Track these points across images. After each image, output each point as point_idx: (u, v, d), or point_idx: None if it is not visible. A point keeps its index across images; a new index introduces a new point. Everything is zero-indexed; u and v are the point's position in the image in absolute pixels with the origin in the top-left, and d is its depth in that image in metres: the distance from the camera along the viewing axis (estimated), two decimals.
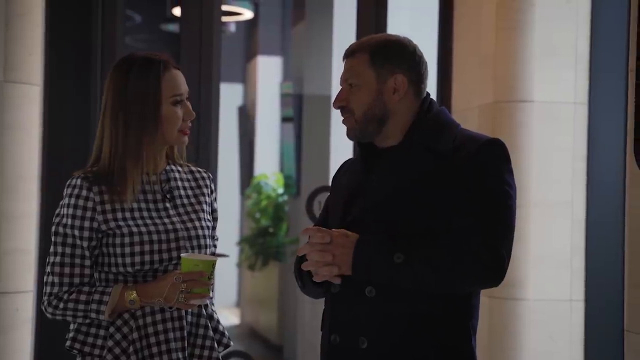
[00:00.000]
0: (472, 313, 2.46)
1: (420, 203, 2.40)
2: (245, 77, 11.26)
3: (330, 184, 2.73)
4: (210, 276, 2.51)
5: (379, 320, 2.41)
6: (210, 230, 2.69)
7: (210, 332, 2.64)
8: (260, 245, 9.06)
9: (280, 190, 9.00)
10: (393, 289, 2.39)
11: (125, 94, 2.57)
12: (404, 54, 2.49)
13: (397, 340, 2.40)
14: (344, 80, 2.51)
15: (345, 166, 2.68)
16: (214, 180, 2.84)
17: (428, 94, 2.55)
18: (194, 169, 2.75)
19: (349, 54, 2.52)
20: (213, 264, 2.52)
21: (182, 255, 2.52)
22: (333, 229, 2.43)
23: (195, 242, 2.62)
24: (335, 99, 2.51)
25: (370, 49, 2.49)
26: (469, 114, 4.25)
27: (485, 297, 3.87)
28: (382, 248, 2.37)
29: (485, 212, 2.36)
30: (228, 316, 10.72)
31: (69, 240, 2.55)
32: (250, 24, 10.42)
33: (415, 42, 2.55)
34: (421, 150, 2.44)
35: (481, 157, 2.40)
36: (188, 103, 2.64)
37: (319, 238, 2.39)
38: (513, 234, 2.41)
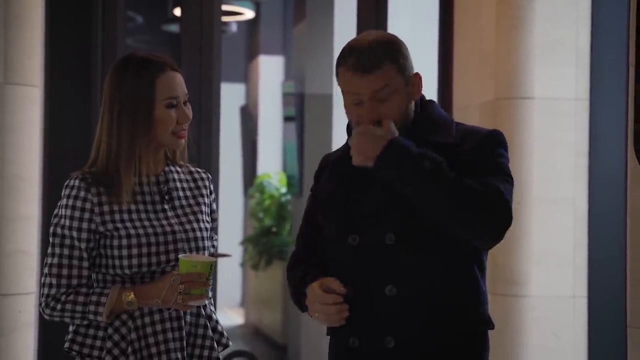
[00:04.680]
0: (483, 299, 2.51)
1: None
2: (247, 76, 11.26)
3: None
4: (209, 277, 2.48)
5: (404, 318, 2.41)
6: (209, 232, 2.67)
7: (210, 332, 2.63)
8: (263, 245, 9.06)
9: (283, 190, 8.99)
10: (413, 286, 2.39)
11: (120, 94, 2.54)
12: (406, 51, 2.48)
13: (423, 335, 2.41)
14: (369, 98, 2.41)
15: (329, 163, 2.65)
16: (215, 180, 2.82)
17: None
18: (193, 169, 2.72)
19: (367, 70, 2.39)
20: (211, 265, 2.49)
21: (179, 256, 2.50)
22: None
23: (193, 244, 2.59)
24: (363, 118, 2.42)
25: (390, 56, 2.41)
26: (470, 112, 4.25)
27: (488, 293, 3.86)
28: (414, 150, 2.36)
29: (489, 174, 2.39)
30: (232, 316, 10.72)
31: (67, 242, 2.53)
32: (252, 24, 10.43)
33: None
34: (424, 145, 2.42)
35: (482, 146, 2.43)
36: (187, 106, 2.59)
37: (337, 288, 2.40)
38: (513, 188, 2.44)
